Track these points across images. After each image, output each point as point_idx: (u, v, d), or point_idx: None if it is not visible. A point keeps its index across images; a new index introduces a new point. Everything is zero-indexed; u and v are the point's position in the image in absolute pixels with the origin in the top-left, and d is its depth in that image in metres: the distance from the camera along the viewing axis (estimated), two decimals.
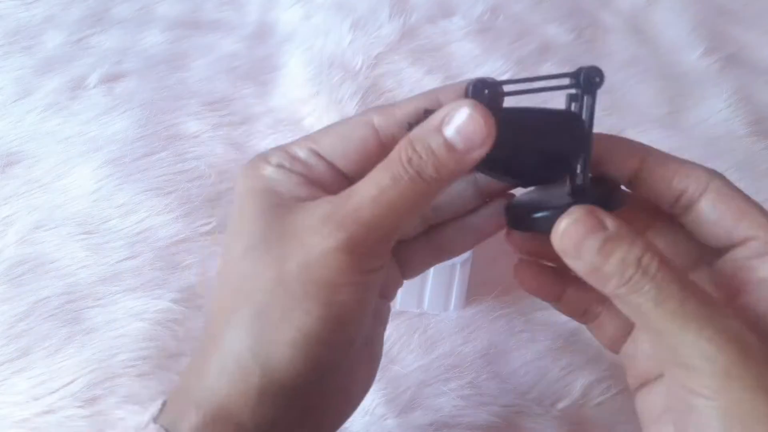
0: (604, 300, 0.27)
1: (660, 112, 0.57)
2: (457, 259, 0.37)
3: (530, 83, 0.26)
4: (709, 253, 0.26)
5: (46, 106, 0.54)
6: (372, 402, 0.37)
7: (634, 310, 0.22)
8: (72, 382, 0.36)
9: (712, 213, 0.25)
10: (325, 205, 0.23)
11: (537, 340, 0.40)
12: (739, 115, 0.57)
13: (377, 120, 0.25)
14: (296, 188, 0.25)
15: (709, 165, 0.54)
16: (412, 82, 0.58)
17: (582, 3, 0.70)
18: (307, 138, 0.26)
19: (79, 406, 0.36)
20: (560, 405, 0.38)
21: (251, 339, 0.23)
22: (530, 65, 0.61)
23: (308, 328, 0.22)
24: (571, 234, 0.22)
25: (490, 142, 0.22)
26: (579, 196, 0.24)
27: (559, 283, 0.28)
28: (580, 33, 0.66)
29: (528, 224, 0.24)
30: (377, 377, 0.29)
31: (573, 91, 0.26)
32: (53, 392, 0.36)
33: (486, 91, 0.24)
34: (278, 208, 0.24)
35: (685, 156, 0.56)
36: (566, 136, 0.26)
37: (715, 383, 0.21)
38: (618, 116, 0.56)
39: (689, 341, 0.21)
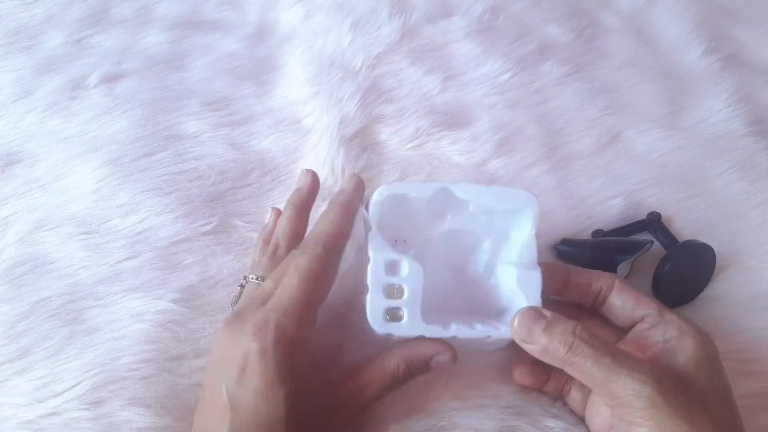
0: (570, 382, 0.37)
1: (660, 112, 0.58)
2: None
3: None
4: (618, 330, 0.37)
5: (46, 106, 0.54)
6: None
7: (580, 370, 0.31)
8: (76, 384, 0.36)
9: (618, 300, 0.36)
10: None
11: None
12: (739, 115, 0.57)
13: None
14: None
15: (709, 165, 0.55)
16: (412, 82, 0.58)
17: (582, 3, 0.71)
18: (307, 302, 0.33)
19: (84, 409, 0.36)
20: (558, 403, 0.38)
21: None
22: (530, 65, 0.61)
23: None
24: (523, 325, 0.32)
25: None
26: None
27: (542, 377, 0.38)
28: (580, 33, 0.66)
29: None
30: None
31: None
32: (58, 395, 0.36)
33: None
34: None
35: (685, 156, 0.56)
36: None
37: (645, 413, 0.29)
38: (618, 116, 0.56)
39: (622, 384, 0.29)
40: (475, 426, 0.36)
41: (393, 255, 0.34)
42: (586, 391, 0.37)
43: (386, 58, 0.60)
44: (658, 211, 0.48)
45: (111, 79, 0.57)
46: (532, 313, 0.32)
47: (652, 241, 0.45)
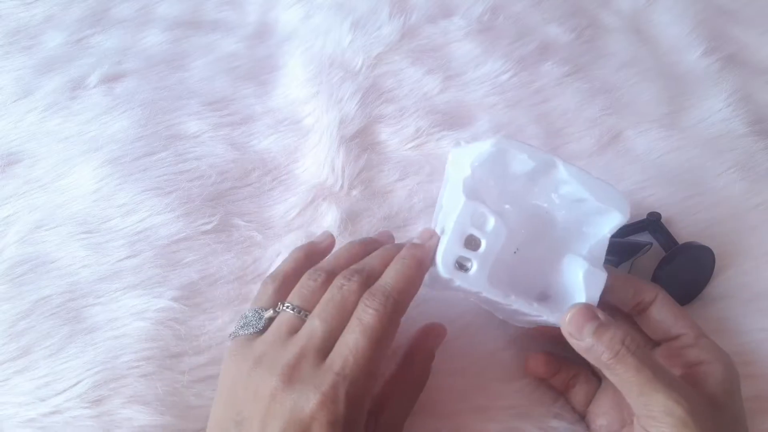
0: (576, 377, 0.38)
1: (660, 112, 0.58)
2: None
3: None
4: (650, 341, 0.37)
5: (46, 106, 0.54)
6: None
7: (619, 377, 0.31)
8: (78, 383, 0.36)
9: (658, 315, 0.36)
10: None
11: (537, 342, 0.40)
12: (739, 115, 0.57)
13: None
14: None
15: (709, 165, 0.55)
16: (412, 82, 0.58)
17: (582, 3, 0.71)
18: (376, 369, 0.31)
19: (86, 407, 0.35)
20: (559, 403, 0.38)
21: None
22: (530, 65, 0.61)
23: None
24: (575, 321, 0.32)
25: None
26: None
27: (554, 368, 0.38)
28: (580, 33, 0.66)
29: None
30: None
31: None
32: (59, 393, 0.36)
33: None
34: None
35: (685, 156, 0.56)
36: None
37: (673, 430, 0.29)
38: (618, 116, 0.57)
39: (659, 400, 0.30)
40: (479, 428, 0.36)
41: (484, 208, 0.33)
42: (592, 390, 0.37)
43: (386, 58, 0.60)
44: (658, 211, 0.48)
45: (111, 79, 0.57)
46: (587, 311, 0.32)
47: (652, 243, 0.45)
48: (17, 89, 0.56)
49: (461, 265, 0.33)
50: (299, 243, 0.44)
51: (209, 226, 0.45)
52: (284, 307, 0.33)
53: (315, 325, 0.31)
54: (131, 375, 0.37)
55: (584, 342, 0.32)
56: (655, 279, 0.43)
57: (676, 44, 0.66)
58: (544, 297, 0.36)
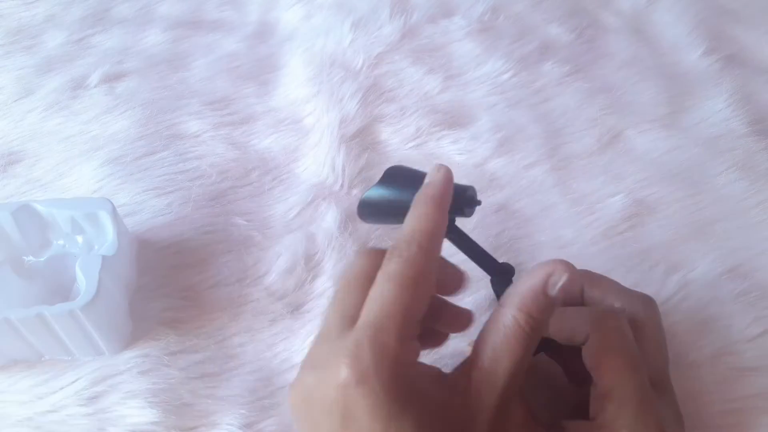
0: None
1: (660, 112, 0.58)
2: (75, 305, 0.34)
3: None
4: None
5: (47, 106, 0.54)
6: None
7: None
8: (75, 381, 0.36)
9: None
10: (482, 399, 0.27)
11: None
12: (739, 115, 0.57)
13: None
14: (435, 383, 0.27)
15: (709, 165, 0.55)
16: (413, 81, 0.58)
17: (582, 3, 0.71)
18: (406, 312, 0.26)
19: (81, 405, 0.36)
20: None
21: None
22: (531, 65, 0.61)
23: None
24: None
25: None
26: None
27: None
28: (581, 33, 0.66)
29: None
30: None
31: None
32: (56, 391, 0.36)
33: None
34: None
35: (685, 155, 0.56)
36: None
37: None
38: (618, 116, 0.57)
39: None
40: None
41: None
42: None
43: (387, 58, 0.60)
44: (652, 206, 0.47)
45: (112, 78, 0.57)
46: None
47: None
48: (18, 89, 0.56)
49: None
50: (299, 243, 0.45)
51: (210, 226, 0.45)
52: None
53: (343, 303, 0.28)
54: (129, 372, 0.37)
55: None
56: None
57: (676, 44, 0.66)
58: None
